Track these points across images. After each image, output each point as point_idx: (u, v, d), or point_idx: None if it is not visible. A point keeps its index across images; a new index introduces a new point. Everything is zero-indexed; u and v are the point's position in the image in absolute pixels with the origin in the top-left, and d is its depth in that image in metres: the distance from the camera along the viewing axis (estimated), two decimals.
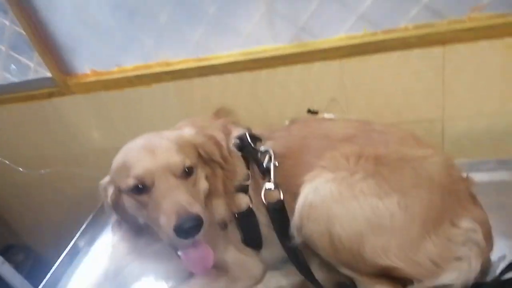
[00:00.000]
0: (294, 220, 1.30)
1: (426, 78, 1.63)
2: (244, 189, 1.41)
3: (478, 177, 1.36)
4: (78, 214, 1.96)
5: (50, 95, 2.11)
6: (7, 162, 2.22)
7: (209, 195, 1.34)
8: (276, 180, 1.40)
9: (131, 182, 1.20)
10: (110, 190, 1.31)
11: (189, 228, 1.12)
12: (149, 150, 1.23)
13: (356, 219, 1.20)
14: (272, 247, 1.43)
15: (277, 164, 1.41)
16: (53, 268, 1.65)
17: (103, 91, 2.02)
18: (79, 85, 2.04)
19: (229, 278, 1.37)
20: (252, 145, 1.46)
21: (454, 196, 1.28)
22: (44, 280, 1.60)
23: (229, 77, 1.83)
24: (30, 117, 2.21)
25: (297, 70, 1.73)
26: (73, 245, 1.76)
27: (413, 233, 1.21)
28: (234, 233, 1.41)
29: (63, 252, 1.70)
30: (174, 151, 1.24)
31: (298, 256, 1.35)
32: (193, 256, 1.22)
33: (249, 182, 1.42)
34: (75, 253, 1.76)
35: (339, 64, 1.67)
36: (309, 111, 1.67)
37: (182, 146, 1.28)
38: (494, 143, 1.71)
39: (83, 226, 1.84)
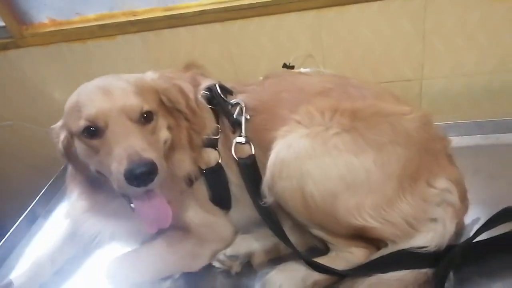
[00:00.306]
0: (266, 178, 1.23)
1: (406, 32, 1.55)
2: (212, 144, 1.32)
3: (455, 140, 1.33)
4: (37, 179, 1.84)
5: (4, 47, 1.94)
6: None
7: (172, 148, 1.24)
8: (247, 134, 1.32)
9: (82, 123, 1.09)
10: (62, 135, 1.20)
11: (140, 173, 1.01)
12: (104, 91, 1.11)
13: (330, 176, 1.14)
14: (242, 208, 1.36)
15: (248, 117, 1.33)
16: (7, 235, 1.54)
17: (63, 43, 1.87)
18: (36, 36, 1.88)
19: (195, 240, 1.28)
20: (223, 96, 1.36)
21: (431, 155, 1.23)
22: None
23: (199, 28, 1.71)
24: None
25: (271, 21, 1.63)
26: (30, 210, 1.65)
27: (388, 192, 1.16)
28: (202, 191, 1.32)
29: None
30: (132, 94, 1.13)
31: (271, 215, 1.28)
32: (147, 211, 1.11)
33: (218, 137, 1.33)
34: (32, 219, 1.65)
35: (316, 15, 1.57)
36: (285, 66, 1.57)
37: (142, 89, 1.17)
38: (471, 105, 1.66)
39: (42, 191, 1.72)
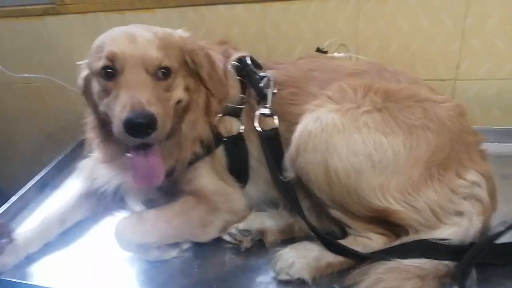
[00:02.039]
0: (290, 150, 1.18)
1: (445, 28, 1.47)
2: (236, 113, 1.28)
3: (484, 146, 1.22)
4: (53, 147, 1.80)
5: (44, 12, 1.95)
6: None
7: (188, 110, 1.21)
8: (273, 107, 1.27)
9: (101, 63, 1.08)
10: (85, 72, 1.21)
11: (138, 124, 0.99)
12: (130, 37, 1.10)
13: (356, 152, 1.08)
14: (259, 183, 1.30)
15: (275, 91, 1.28)
16: (15, 196, 1.48)
17: (101, 13, 1.86)
18: (77, 3, 1.87)
19: (208, 207, 1.22)
20: (252, 67, 1.32)
21: (462, 146, 1.15)
22: None
23: (238, 8, 1.67)
24: (21, 34, 2.05)
25: (311, 6, 1.57)
26: (41, 178, 1.59)
27: (415, 176, 1.08)
28: (220, 159, 1.27)
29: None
30: (155, 46, 1.10)
31: (289, 191, 1.21)
32: (139, 164, 1.09)
33: (243, 107, 1.28)
34: (42, 187, 1.59)
35: (356, 3, 1.51)
36: (318, 50, 1.51)
37: (167, 44, 1.13)
38: (504, 111, 1.55)
39: (56, 161, 1.68)
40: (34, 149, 2.38)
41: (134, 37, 1.09)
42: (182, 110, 1.19)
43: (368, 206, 1.07)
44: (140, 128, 1.00)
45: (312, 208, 1.22)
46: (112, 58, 1.07)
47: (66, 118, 2.19)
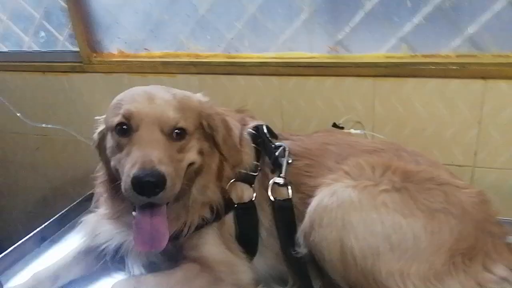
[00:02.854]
0: (304, 224, 1.12)
1: (462, 114, 1.45)
2: (249, 180, 1.24)
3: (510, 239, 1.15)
4: (61, 199, 1.73)
5: (71, 70, 2.00)
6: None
7: (200, 173, 1.17)
8: (287, 177, 1.23)
9: (117, 119, 1.07)
10: (101, 127, 1.19)
11: (146, 183, 0.95)
12: (148, 96, 1.09)
13: (374, 233, 1.01)
14: (268, 256, 1.23)
15: (290, 161, 1.26)
16: (12, 247, 1.40)
17: (125, 74, 1.89)
18: (103, 64, 1.93)
19: (211, 278, 1.13)
20: (268, 136, 1.31)
21: (487, 236, 1.08)
22: None
23: (256, 80, 1.69)
24: (45, 88, 2.09)
25: (327, 83, 1.59)
26: (41, 230, 1.51)
27: (437, 264, 1.00)
28: (228, 226, 1.21)
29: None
30: (173, 107, 1.09)
31: (301, 268, 1.13)
32: (143, 225, 1.03)
33: (256, 174, 1.24)
34: (41, 240, 1.50)
35: (372, 83, 1.52)
36: (335, 125, 1.49)
37: (185, 107, 1.12)
38: None
39: (60, 213, 1.60)
40: (39, 202, 2.32)
41: (152, 96, 1.09)
42: (193, 173, 1.15)
43: None
44: (147, 186, 0.95)
45: (324, 287, 1.13)
46: (128, 116, 1.05)
47: (75, 172, 2.14)
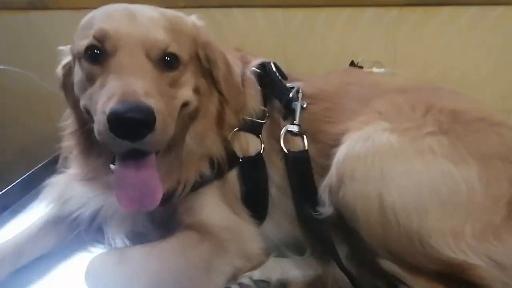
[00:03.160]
0: (329, 179, 0.95)
1: (498, 51, 1.26)
2: (255, 129, 1.05)
3: None
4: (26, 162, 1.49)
5: (31, 5, 1.71)
6: None
7: (195, 118, 0.97)
8: (301, 124, 1.05)
9: (87, 41, 0.84)
10: (66, 59, 0.97)
11: (129, 120, 0.72)
12: (128, 12, 0.86)
13: (420, 184, 0.85)
14: (280, 220, 1.05)
15: (305, 105, 1.07)
16: None
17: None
18: None
19: (213, 247, 0.93)
20: (278, 75, 1.11)
21: None
22: None
23: (256, 12, 1.47)
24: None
25: (342, 16, 1.38)
26: None
27: (496, 219, 0.83)
28: (232, 185, 1.02)
29: None
30: (162, 27, 0.86)
31: (323, 232, 0.96)
32: (128, 179, 0.81)
33: (264, 121, 1.06)
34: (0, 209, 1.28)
35: (397, 13, 1.31)
36: (353, 64, 1.28)
37: (177, 28, 0.90)
38: None
39: (20, 179, 1.37)
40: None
41: (134, 13, 0.86)
42: (188, 117, 0.94)
43: (436, 257, 0.81)
44: (131, 125, 0.72)
45: (352, 256, 0.96)
46: (102, 37, 0.81)
47: (38, 130, 1.84)
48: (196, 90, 0.93)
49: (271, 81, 1.09)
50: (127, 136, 0.74)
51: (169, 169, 0.94)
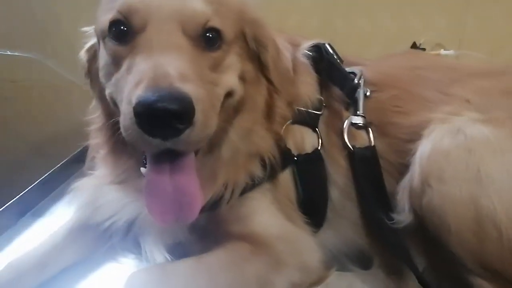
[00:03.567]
0: (408, 180, 0.83)
1: None
2: (311, 121, 0.92)
3: None
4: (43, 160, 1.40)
5: None
6: None
7: (240, 111, 0.83)
8: (366, 115, 0.93)
9: (111, 15, 0.71)
10: (90, 42, 0.85)
11: (160, 110, 0.59)
12: None
13: None
14: (342, 227, 0.93)
15: (368, 93, 0.94)
16: None
17: None
18: None
19: (269, 260, 0.82)
20: (337, 58, 0.98)
21: None
22: None
23: None
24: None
25: None
26: (16, 201, 1.18)
27: None
28: (286, 188, 0.90)
29: None
30: None
31: (398, 242, 0.84)
32: (161, 184, 0.69)
33: (321, 113, 0.93)
34: (19, 214, 1.19)
35: None
36: (414, 46, 1.15)
37: (220, 1, 0.76)
38: None
39: (39, 179, 1.27)
40: (12, 166, 1.92)
41: None
42: (232, 109, 0.81)
43: None
44: (163, 118, 0.59)
45: (431, 270, 0.84)
46: (127, 10, 0.70)
47: (58, 126, 1.76)
48: (242, 77, 0.80)
49: (328, 65, 0.96)
50: (159, 132, 0.61)
51: (212, 171, 0.82)
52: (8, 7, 1.68)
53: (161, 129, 0.60)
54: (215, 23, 0.72)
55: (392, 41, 1.29)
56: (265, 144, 0.86)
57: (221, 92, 0.75)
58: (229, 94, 0.77)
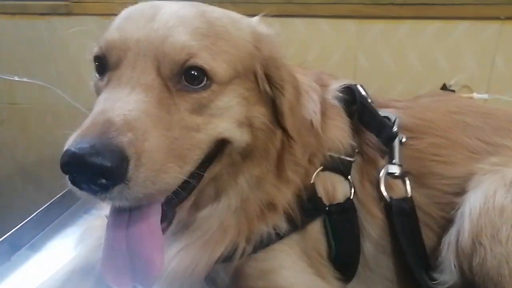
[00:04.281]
0: (455, 235, 0.79)
1: None
2: (343, 169, 0.86)
3: None
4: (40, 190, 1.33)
5: (53, 11, 1.59)
6: None
7: (251, 158, 0.75)
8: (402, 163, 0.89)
9: (95, 50, 0.70)
10: None
11: (82, 164, 0.54)
12: (153, 12, 0.69)
13: None
14: (374, 283, 0.88)
15: (404, 139, 0.90)
16: None
17: None
18: (97, 2, 1.53)
19: None
20: (371, 102, 0.93)
21: None
22: None
23: (322, 24, 1.31)
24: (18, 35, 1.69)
25: (429, 30, 1.22)
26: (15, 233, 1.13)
27: None
28: (315, 241, 0.84)
29: None
30: (190, 29, 0.66)
31: None
32: (116, 238, 0.64)
33: (353, 159, 0.87)
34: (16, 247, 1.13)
35: (499, 28, 1.16)
36: (444, 88, 1.11)
37: (218, 34, 0.69)
38: None
39: (38, 211, 1.20)
40: (5, 194, 1.89)
41: (157, 12, 0.68)
42: (240, 156, 0.74)
43: None
44: (84, 172, 0.54)
45: None
46: (106, 46, 0.67)
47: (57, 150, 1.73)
48: (248, 122, 0.72)
49: (362, 109, 0.91)
50: (85, 186, 0.55)
51: (222, 222, 0.77)
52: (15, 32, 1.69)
53: (84, 184, 0.55)
54: (201, 60, 0.65)
55: (418, 81, 1.27)
56: (280, 194, 0.79)
57: (204, 138, 0.67)
58: (224, 141, 0.70)
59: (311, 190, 0.83)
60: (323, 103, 0.90)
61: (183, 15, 0.68)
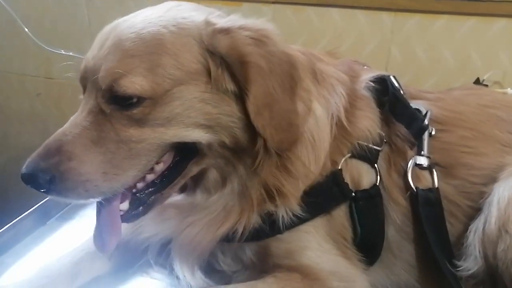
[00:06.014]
0: (482, 223, 0.82)
1: None
2: (371, 157, 0.90)
3: None
4: None
5: None
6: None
7: (240, 150, 0.81)
8: (431, 155, 0.91)
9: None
10: None
11: (27, 180, 0.76)
12: (103, 39, 0.80)
13: None
14: (396, 267, 0.92)
15: (433, 131, 0.93)
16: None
17: None
18: None
19: None
20: (403, 93, 0.96)
21: None
22: None
23: (358, 15, 1.33)
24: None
25: (466, 25, 1.24)
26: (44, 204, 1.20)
27: None
28: (341, 226, 0.89)
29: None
30: (119, 56, 0.76)
31: None
32: (100, 214, 0.83)
33: (381, 149, 0.91)
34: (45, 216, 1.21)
35: None
36: (477, 82, 1.13)
37: (151, 49, 0.76)
38: None
39: None
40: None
41: (108, 36, 0.79)
42: (227, 151, 0.80)
43: None
44: (28, 178, 0.75)
45: None
46: (80, 74, 0.82)
47: None
48: (213, 124, 0.77)
49: (394, 100, 0.93)
50: (36, 187, 0.75)
51: (227, 204, 0.85)
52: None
53: (37, 184, 0.74)
54: (122, 85, 0.73)
55: (450, 75, 1.28)
56: (286, 182, 0.82)
57: (148, 147, 0.76)
58: (187, 143, 0.78)
59: (339, 176, 0.87)
60: (352, 94, 0.93)
61: (120, 37, 0.77)
